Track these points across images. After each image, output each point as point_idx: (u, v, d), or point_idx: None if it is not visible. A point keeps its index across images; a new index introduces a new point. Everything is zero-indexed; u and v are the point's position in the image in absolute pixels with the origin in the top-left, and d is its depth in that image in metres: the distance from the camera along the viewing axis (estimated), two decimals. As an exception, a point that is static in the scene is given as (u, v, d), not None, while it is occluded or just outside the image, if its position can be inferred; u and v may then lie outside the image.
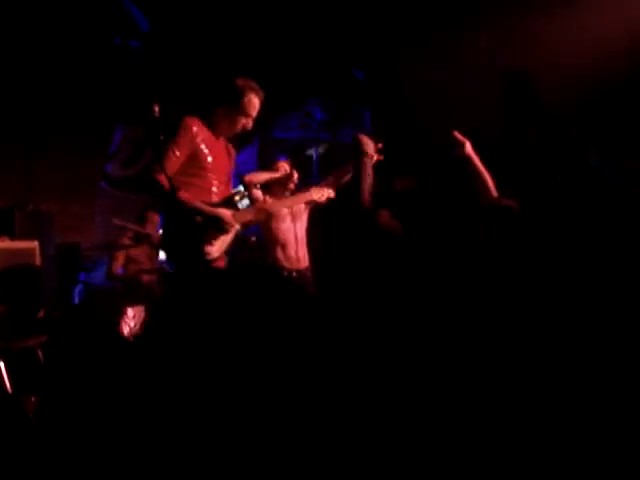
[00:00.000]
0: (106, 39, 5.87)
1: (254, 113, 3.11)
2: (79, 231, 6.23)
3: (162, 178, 2.85)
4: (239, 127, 3.12)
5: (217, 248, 3.05)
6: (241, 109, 3.05)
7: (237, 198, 3.17)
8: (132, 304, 4.64)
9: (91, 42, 5.79)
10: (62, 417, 2.84)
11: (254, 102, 3.08)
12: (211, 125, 3.08)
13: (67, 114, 6.04)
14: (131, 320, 4.56)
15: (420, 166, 4.20)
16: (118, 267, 5.03)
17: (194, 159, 3.01)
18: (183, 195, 2.89)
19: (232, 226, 3.06)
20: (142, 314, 4.58)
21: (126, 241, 5.21)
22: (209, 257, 3.01)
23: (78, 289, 5.51)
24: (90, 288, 5.13)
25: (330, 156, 4.21)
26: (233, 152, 3.30)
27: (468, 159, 3.23)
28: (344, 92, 5.79)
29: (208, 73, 5.69)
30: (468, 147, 3.15)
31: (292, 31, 5.44)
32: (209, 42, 5.97)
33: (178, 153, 2.95)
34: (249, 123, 3.10)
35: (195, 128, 3.00)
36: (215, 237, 3.03)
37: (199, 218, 2.95)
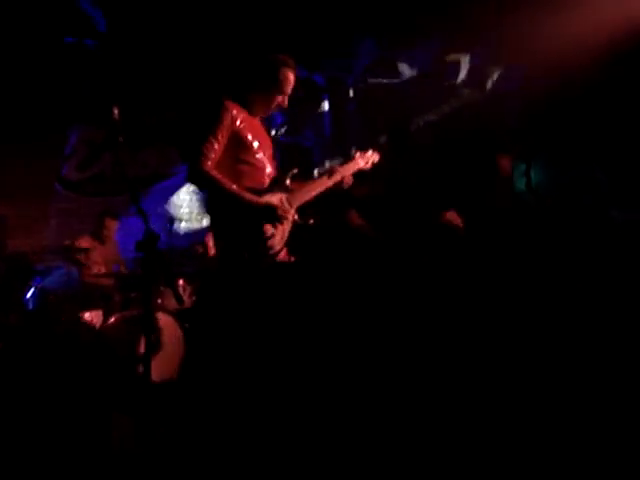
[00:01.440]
0: (58, 38, 5.73)
1: (289, 90, 3.02)
2: (33, 234, 6.08)
3: (210, 168, 2.73)
4: (275, 105, 3.02)
5: (279, 239, 2.88)
6: (278, 86, 2.97)
7: (288, 179, 3.00)
8: (89, 309, 4.56)
9: (44, 41, 5.66)
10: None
11: (290, 78, 2.99)
12: (246, 105, 2.95)
13: (20, 115, 5.89)
14: (88, 324, 4.48)
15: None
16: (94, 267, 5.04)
17: (239, 143, 2.86)
18: (232, 186, 2.74)
19: (287, 212, 2.90)
20: (100, 318, 4.50)
21: (83, 244, 5.15)
22: (273, 252, 2.85)
23: (32, 294, 5.39)
24: (45, 293, 5.02)
25: (290, 157, 4.17)
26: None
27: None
28: (304, 96, 5.81)
29: (169, 73, 5.68)
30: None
31: (251, 36, 5.41)
32: (167, 41, 5.90)
33: (220, 138, 2.80)
34: (285, 100, 3.02)
35: (234, 110, 2.85)
36: (274, 228, 2.85)
37: (254, 211, 2.79)
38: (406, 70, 5.97)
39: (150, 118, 6.34)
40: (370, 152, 3.45)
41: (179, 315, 4.29)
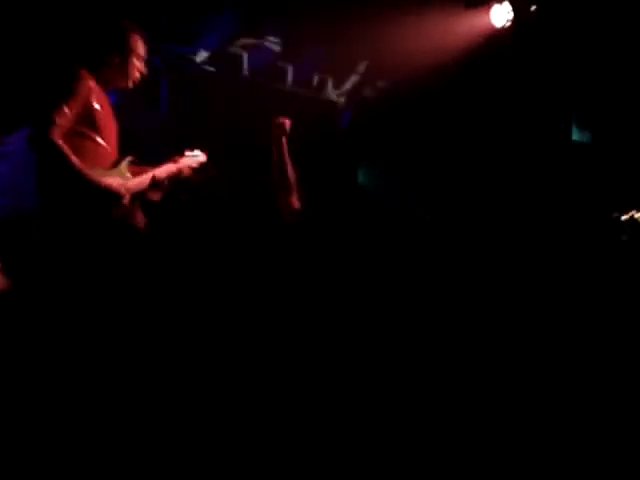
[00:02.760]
0: None
1: (143, 53, 2.90)
2: None
3: (58, 138, 2.52)
4: (135, 73, 2.87)
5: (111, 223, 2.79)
6: (132, 52, 2.83)
7: (125, 164, 2.87)
8: None
9: None
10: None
11: (141, 42, 2.89)
12: (100, 78, 2.78)
13: None
14: None
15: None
16: None
17: (87, 118, 2.74)
18: (76, 161, 2.56)
19: (124, 198, 2.81)
20: None
21: None
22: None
23: None
24: None
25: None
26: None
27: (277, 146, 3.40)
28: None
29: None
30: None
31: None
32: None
33: (73, 109, 2.65)
34: (142, 67, 2.89)
35: (91, 83, 2.71)
36: (108, 212, 2.77)
37: (92, 191, 2.62)
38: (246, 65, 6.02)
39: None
40: (196, 151, 3.49)
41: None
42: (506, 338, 3.37)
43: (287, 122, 3.65)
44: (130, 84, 2.99)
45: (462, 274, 4.19)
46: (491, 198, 5.51)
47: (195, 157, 3.44)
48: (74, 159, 2.65)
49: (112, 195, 2.79)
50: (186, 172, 3.28)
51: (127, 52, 2.90)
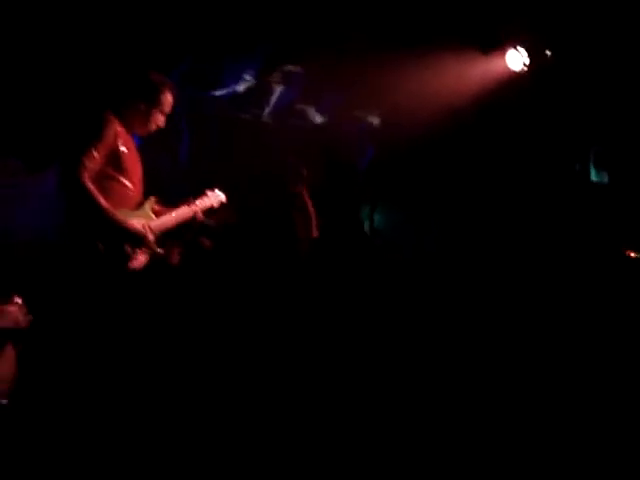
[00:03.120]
0: None
1: (168, 110, 3.01)
2: None
3: (87, 179, 2.62)
4: (154, 125, 2.99)
5: (136, 264, 2.85)
6: (158, 106, 2.94)
7: (150, 205, 2.94)
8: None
9: None
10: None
11: (170, 99, 3.00)
12: (125, 122, 2.90)
13: None
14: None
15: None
16: None
17: (114, 160, 2.82)
18: (104, 202, 2.65)
19: (149, 238, 2.89)
20: None
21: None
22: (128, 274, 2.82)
23: None
24: None
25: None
26: None
27: (300, 194, 3.50)
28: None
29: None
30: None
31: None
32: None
33: (101, 151, 2.75)
34: (162, 121, 3.00)
35: (117, 127, 2.81)
36: (133, 252, 2.84)
37: (119, 232, 2.70)
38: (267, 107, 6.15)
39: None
40: (216, 191, 3.57)
41: (12, 335, 4.02)
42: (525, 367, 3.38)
43: (303, 167, 3.73)
44: (145, 133, 3.10)
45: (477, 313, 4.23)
46: (509, 240, 5.53)
47: (216, 197, 3.51)
48: (102, 200, 2.74)
49: (137, 236, 2.86)
50: (200, 216, 3.37)
51: (154, 104, 3.01)
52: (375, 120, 6.14)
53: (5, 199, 5.65)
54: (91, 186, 2.71)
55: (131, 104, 3.01)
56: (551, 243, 5.40)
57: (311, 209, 3.67)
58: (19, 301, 4.18)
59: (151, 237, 2.94)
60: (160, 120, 3.06)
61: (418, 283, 4.39)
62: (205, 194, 3.47)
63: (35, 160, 5.49)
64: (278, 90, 6.50)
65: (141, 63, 4.11)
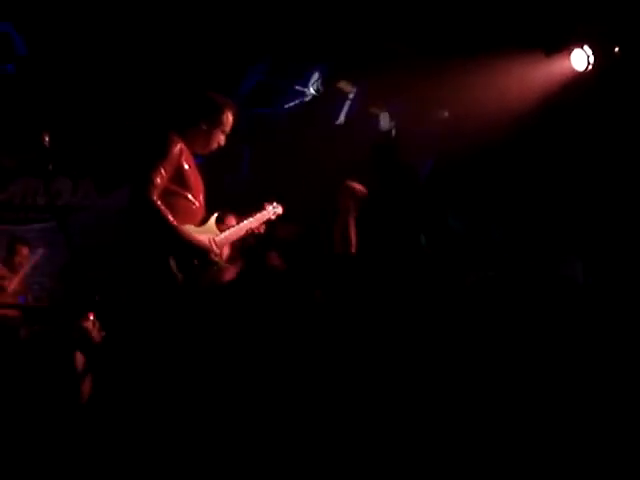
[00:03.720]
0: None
1: (229, 129, 3.09)
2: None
3: (157, 198, 2.71)
4: (215, 144, 3.08)
5: (205, 279, 2.90)
6: (220, 126, 3.03)
7: (214, 221, 3.03)
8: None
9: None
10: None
11: (231, 119, 3.08)
12: (187, 141, 2.99)
13: None
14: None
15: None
16: None
17: (179, 177, 2.89)
18: (173, 220, 2.76)
19: (216, 253, 2.94)
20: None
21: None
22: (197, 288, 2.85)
23: None
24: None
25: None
26: None
27: (345, 210, 3.48)
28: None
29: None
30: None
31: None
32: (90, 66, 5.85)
33: (168, 169, 2.81)
34: (223, 140, 3.08)
35: (180, 145, 2.90)
36: (202, 267, 2.89)
37: (187, 248, 2.80)
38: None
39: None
40: (274, 204, 3.60)
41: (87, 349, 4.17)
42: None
43: (358, 187, 3.70)
44: (207, 152, 3.16)
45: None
46: (579, 247, 5.34)
47: (274, 209, 3.57)
48: (170, 217, 2.80)
49: (204, 250, 2.92)
50: (261, 229, 3.43)
51: (216, 124, 3.07)
52: (437, 128, 6.08)
53: (78, 219, 5.92)
54: (159, 203, 2.77)
55: (193, 124, 3.07)
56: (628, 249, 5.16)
57: (352, 228, 3.63)
58: (92, 317, 4.35)
59: (217, 252, 2.99)
60: (221, 139, 3.13)
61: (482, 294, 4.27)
62: (264, 207, 3.52)
63: (105, 181, 5.73)
64: (339, 103, 6.55)
65: (203, 83, 4.20)
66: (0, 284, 4.97)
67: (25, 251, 5.28)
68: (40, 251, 5.40)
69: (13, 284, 5.11)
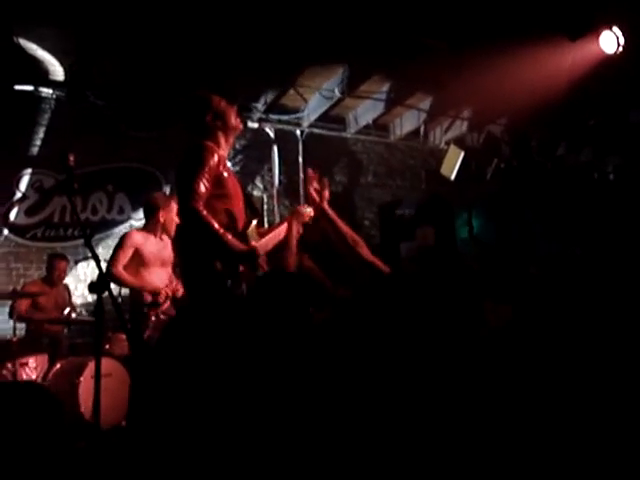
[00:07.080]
0: (7, 85, 5.80)
1: (235, 115, 3.14)
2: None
3: (202, 207, 2.79)
4: (234, 134, 3.16)
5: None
6: (225, 118, 3.08)
7: (253, 226, 3.09)
8: (35, 353, 4.49)
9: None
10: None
11: (225, 104, 3.13)
12: (218, 144, 3.04)
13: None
14: (33, 370, 4.41)
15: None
16: (24, 307, 4.95)
17: (219, 185, 2.94)
18: (219, 228, 2.81)
19: (258, 258, 2.97)
20: (45, 363, 4.44)
21: (32, 288, 5.11)
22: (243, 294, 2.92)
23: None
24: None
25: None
26: None
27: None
28: (255, 146, 5.98)
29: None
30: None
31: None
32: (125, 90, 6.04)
33: (209, 178, 2.87)
34: (239, 125, 3.14)
35: (216, 153, 2.95)
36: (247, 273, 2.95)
37: (235, 255, 2.87)
38: (353, 123, 6.18)
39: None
40: (306, 206, 3.59)
41: (126, 361, 4.27)
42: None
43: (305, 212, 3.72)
44: (230, 147, 3.19)
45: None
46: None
47: (305, 212, 3.58)
48: (215, 224, 2.86)
49: (248, 256, 2.96)
50: (297, 232, 3.44)
51: (219, 114, 3.08)
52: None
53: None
54: (204, 212, 2.83)
55: (206, 123, 3.10)
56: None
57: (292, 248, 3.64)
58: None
59: (262, 257, 3.04)
60: (239, 125, 3.16)
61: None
62: (297, 211, 3.54)
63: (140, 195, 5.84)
64: (361, 106, 6.55)
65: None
66: (39, 300, 5.10)
67: (63, 265, 5.42)
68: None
69: None
